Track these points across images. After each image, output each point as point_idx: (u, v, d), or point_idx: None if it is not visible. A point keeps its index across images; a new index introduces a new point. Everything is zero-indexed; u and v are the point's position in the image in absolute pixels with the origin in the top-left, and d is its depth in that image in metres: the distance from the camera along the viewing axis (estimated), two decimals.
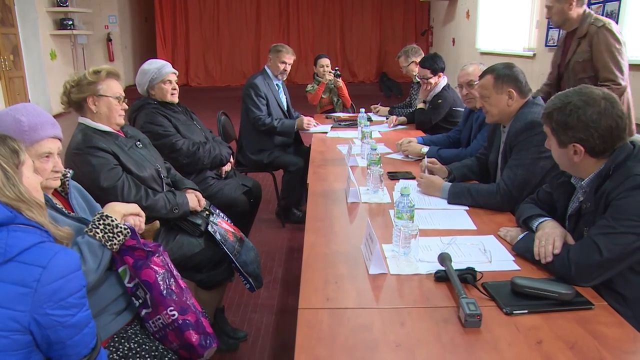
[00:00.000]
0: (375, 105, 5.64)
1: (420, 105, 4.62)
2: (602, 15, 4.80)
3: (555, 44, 5.84)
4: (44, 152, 1.80)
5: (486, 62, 3.19)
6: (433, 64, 4.42)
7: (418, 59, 4.94)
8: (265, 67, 4.72)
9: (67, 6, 9.42)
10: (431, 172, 2.94)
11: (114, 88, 2.45)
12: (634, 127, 3.57)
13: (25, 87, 8.71)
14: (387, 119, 5.04)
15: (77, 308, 1.40)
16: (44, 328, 1.34)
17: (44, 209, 1.48)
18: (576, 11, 3.52)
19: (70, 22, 9.57)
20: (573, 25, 3.57)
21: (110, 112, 2.44)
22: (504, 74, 2.57)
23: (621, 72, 3.40)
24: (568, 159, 1.87)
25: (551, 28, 5.87)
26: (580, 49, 3.48)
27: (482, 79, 2.65)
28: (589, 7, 3.63)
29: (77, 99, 2.39)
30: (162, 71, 3.25)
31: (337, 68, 5.78)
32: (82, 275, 1.44)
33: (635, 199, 1.68)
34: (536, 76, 6.22)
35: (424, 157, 3.07)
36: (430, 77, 4.41)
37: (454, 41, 9.89)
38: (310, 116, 4.81)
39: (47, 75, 8.94)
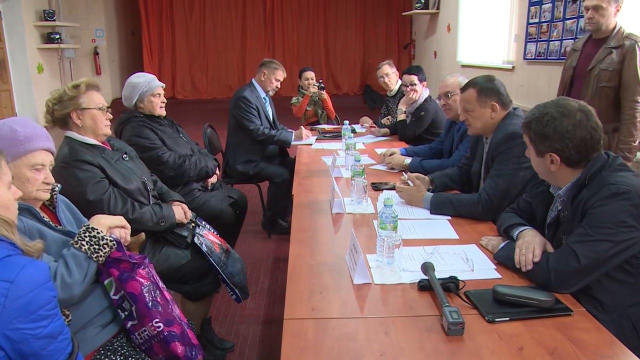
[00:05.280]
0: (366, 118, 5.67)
1: (402, 117, 4.63)
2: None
3: (534, 57, 5.90)
4: (37, 162, 1.81)
5: (467, 74, 3.24)
6: (418, 72, 4.53)
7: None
8: (253, 80, 4.71)
9: (54, 20, 9.35)
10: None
11: (96, 99, 2.45)
12: None
13: (12, 100, 8.64)
14: (367, 127, 5.13)
15: (49, 319, 1.38)
16: (15, 342, 1.32)
17: (12, 226, 1.45)
18: (615, 19, 3.48)
19: (58, 36, 9.50)
20: (606, 33, 3.50)
21: (96, 124, 2.45)
22: (486, 87, 2.59)
23: None
24: (545, 168, 1.92)
25: (529, 42, 5.92)
26: (609, 58, 3.42)
27: (465, 92, 2.65)
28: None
29: (60, 115, 2.40)
30: (152, 84, 3.26)
31: (321, 80, 5.82)
32: (52, 286, 1.42)
33: (610, 207, 1.72)
34: (515, 88, 6.27)
35: (404, 174, 3.08)
36: (417, 84, 4.48)
37: (435, 54, 9.97)
38: (295, 129, 4.83)
39: (34, 88, 8.87)
